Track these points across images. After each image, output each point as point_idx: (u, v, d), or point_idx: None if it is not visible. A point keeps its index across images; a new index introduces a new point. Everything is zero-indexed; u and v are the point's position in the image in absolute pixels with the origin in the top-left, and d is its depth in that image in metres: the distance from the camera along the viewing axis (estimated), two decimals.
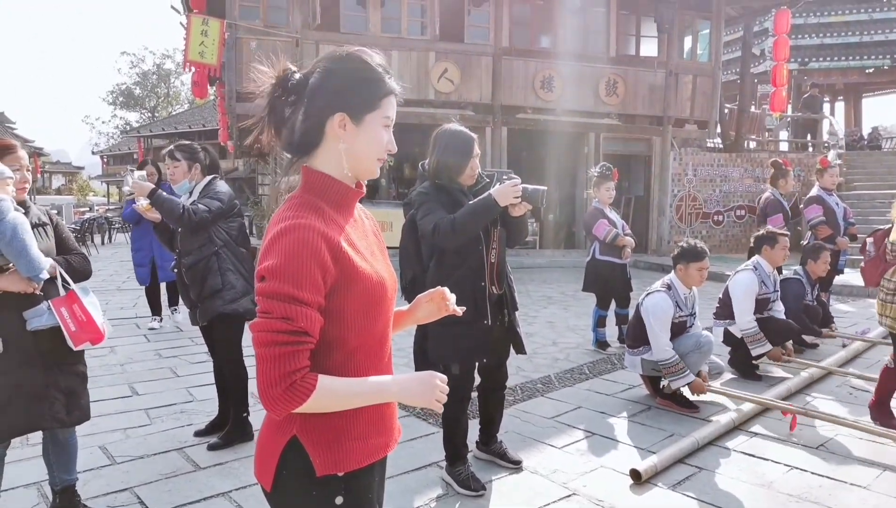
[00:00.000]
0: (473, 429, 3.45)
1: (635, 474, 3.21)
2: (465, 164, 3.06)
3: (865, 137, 20.80)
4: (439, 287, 1.66)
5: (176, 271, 3.80)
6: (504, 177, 3.05)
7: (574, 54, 13.35)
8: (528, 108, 13.09)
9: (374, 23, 12.38)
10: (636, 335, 4.46)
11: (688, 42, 15.82)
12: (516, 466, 3.38)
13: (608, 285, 5.89)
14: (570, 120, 13.26)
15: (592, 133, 13.65)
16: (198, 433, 3.84)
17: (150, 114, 45.30)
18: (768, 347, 4.92)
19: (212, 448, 3.63)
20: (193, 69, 11.76)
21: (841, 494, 3.09)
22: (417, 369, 4.47)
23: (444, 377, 1.39)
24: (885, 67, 20.38)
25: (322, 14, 11.82)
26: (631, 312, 5.23)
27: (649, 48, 15.06)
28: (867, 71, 20.74)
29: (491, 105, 12.81)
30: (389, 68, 1.43)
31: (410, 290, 4.12)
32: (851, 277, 8.32)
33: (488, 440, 3.47)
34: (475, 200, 2.98)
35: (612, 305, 6.01)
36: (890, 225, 3.64)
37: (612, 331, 6.09)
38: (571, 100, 13.19)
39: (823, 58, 20.49)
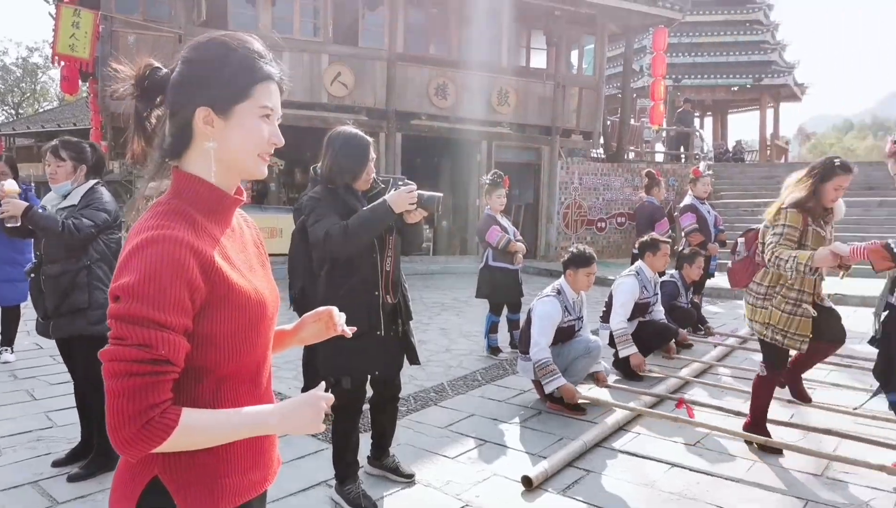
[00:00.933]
0: (365, 443, 3.34)
1: (527, 480, 3.23)
2: (360, 168, 2.96)
3: (731, 150, 22.58)
4: (327, 306, 1.54)
5: (33, 275, 3.40)
6: (399, 183, 2.97)
7: (468, 63, 13.54)
8: (423, 114, 13.13)
9: (264, 22, 11.96)
10: (528, 340, 4.52)
11: (574, 56, 16.51)
12: (409, 480, 3.31)
13: (501, 290, 5.96)
14: (463, 128, 13.43)
15: (485, 141, 13.89)
16: (56, 464, 3.46)
17: (13, 111, 41.48)
18: (634, 349, 5.14)
19: (72, 479, 3.28)
20: (63, 63, 10.85)
21: (717, 489, 3.25)
22: (306, 383, 4.31)
23: (330, 397, 1.25)
24: (748, 86, 22.21)
25: (208, 10, 11.27)
26: (523, 317, 5.32)
27: (539, 60, 15.56)
28: (733, 89, 22.50)
29: (385, 110, 12.72)
30: (268, 53, 1.28)
31: (300, 301, 3.96)
32: (721, 280, 8.93)
33: (380, 454, 3.36)
34: (369, 206, 2.89)
35: (505, 310, 6.09)
36: (761, 226, 3.76)
37: (504, 336, 6.17)
38: (465, 108, 13.36)
39: (695, 75, 22.03)
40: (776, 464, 3.53)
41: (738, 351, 6.18)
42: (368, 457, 3.39)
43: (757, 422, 3.76)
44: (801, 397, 4.43)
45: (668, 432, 4.04)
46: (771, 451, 3.66)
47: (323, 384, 1.32)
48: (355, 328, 1.59)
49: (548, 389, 4.34)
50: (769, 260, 3.38)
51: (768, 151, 23.04)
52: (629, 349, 5.19)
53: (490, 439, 3.92)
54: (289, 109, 11.58)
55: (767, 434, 3.72)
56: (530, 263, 12.87)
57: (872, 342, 3.46)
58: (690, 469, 3.50)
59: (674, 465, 3.55)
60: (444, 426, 4.14)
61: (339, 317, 1.53)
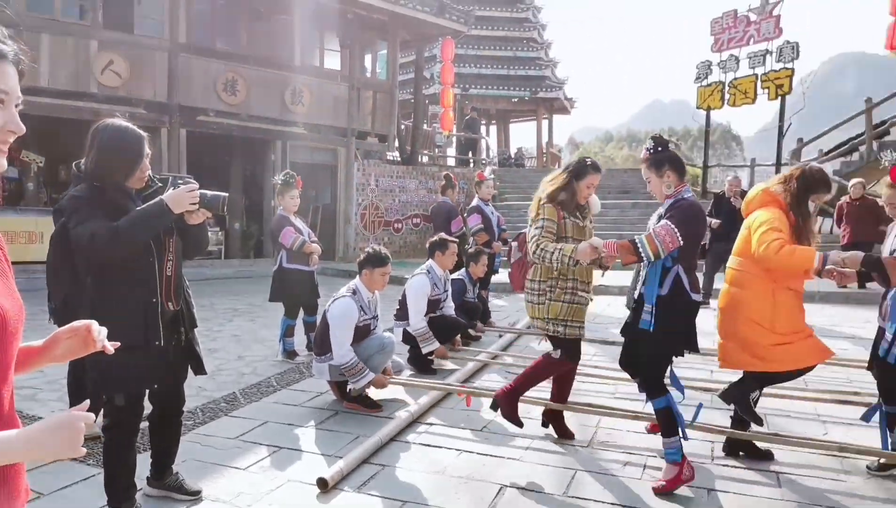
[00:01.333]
0: (143, 464, 3.08)
1: (322, 482, 3.22)
2: (132, 165, 2.71)
3: (513, 157, 24.48)
4: (85, 320, 1.39)
5: None
6: (179, 182, 2.78)
7: (259, 59, 13.07)
8: (211, 110, 12.39)
9: None
10: (323, 342, 4.50)
11: (369, 60, 16.72)
12: (195, 497, 3.11)
13: (296, 293, 5.85)
14: (256, 126, 12.94)
15: (279, 141, 13.52)
16: None
17: None
18: (436, 345, 5.42)
19: None
20: None
21: (500, 468, 3.52)
22: (72, 404, 3.86)
23: (90, 416, 1.13)
24: (526, 98, 24.27)
25: None
26: (318, 319, 5.28)
27: (333, 62, 15.52)
28: (513, 100, 24.45)
29: (167, 104, 11.79)
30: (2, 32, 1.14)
31: (62, 313, 3.52)
32: (504, 275, 9.66)
33: (162, 473, 3.11)
34: (144, 205, 2.67)
35: (301, 313, 6.00)
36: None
37: (300, 339, 6.07)
38: (257, 106, 12.89)
39: (480, 86, 23.55)
40: (551, 437, 3.90)
41: (523, 338, 6.75)
42: (148, 478, 3.12)
43: (514, 393, 3.81)
44: (564, 434, 3.96)
45: (458, 420, 4.28)
46: (546, 427, 4.02)
47: (87, 402, 1.20)
48: (118, 343, 1.44)
49: (358, 386, 4.39)
50: (534, 253, 3.50)
51: (544, 158, 25.33)
52: (432, 345, 5.42)
53: (285, 445, 3.83)
54: (48, 98, 10.28)
55: (515, 406, 3.82)
56: (328, 264, 12.79)
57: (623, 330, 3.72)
58: (478, 454, 3.74)
59: (463, 451, 3.77)
60: (235, 436, 3.96)
61: (99, 331, 1.39)
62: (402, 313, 5.66)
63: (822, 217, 11.89)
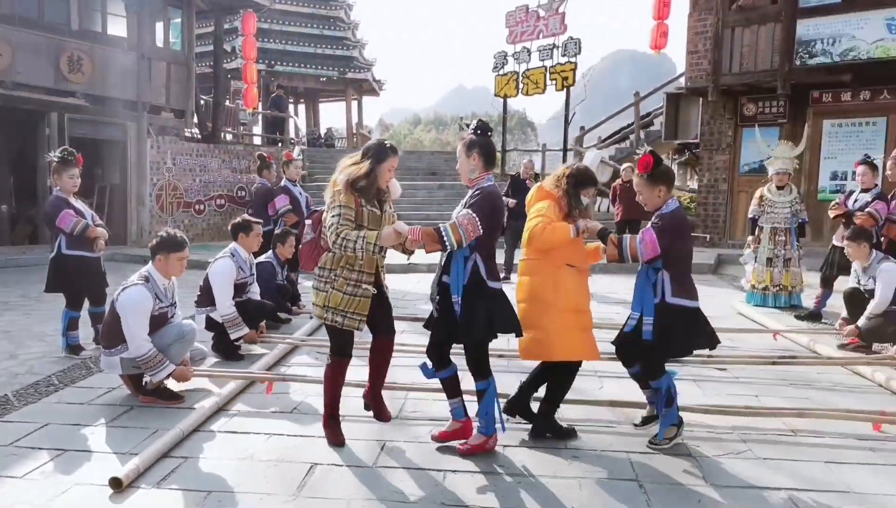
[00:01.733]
0: None
1: (115, 482, 3.00)
2: None
3: (322, 137, 24.13)
4: None
5: None
6: None
7: (26, 20, 11.45)
8: None
9: None
10: (112, 334, 4.16)
11: (160, 28, 15.37)
12: None
13: (79, 282, 5.31)
14: (24, 95, 11.37)
15: (55, 113, 12.03)
16: None
17: None
18: (246, 330, 5.27)
19: None
20: None
21: (310, 448, 3.53)
22: None
23: None
24: (335, 78, 23.93)
25: None
26: (107, 309, 4.85)
27: (118, 28, 14.04)
28: (321, 79, 23.97)
29: None
30: None
31: None
32: None
33: None
34: None
35: (87, 304, 5.46)
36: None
37: (87, 333, 5.54)
38: (25, 72, 11.32)
39: (287, 63, 22.75)
40: (362, 413, 3.99)
41: None
42: None
43: (330, 417, 3.65)
44: (382, 415, 3.84)
45: (267, 404, 4.21)
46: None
47: None
48: None
49: (157, 378, 4.13)
50: (335, 242, 3.32)
51: (355, 139, 25.27)
52: (241, 330, 5.24)
53: (70, 447, 3.50)
54: None
55: (339, 429, 3.62)
56: (118, 249, 11.73)
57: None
58: (288, 435, 3.72)
59: (272, 434, 3.73)
60: (9, 443, 3.53)
61: None
62: (204, 300, 5.40)
63: (600, 197, 13.34)
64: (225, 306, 5.24)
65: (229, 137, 18.10)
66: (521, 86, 15.84)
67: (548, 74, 15.22)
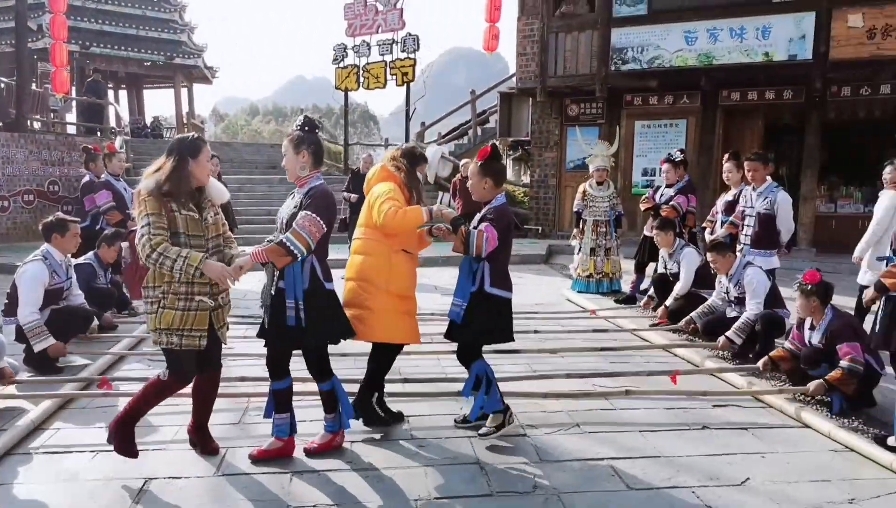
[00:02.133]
0: None
1: None
2: None
3: (149, 126, 22.39)
4: None
5: None
6: None
7: None
8: None
9: None
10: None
11: None
12: None
13: None
14: None
15: None
16: None
17: None
18: (51, 341, 4.77)
19: None
20: None
21: (145, 462, 3.31)
22: None
23: None
24: (161, 63, 22.25)
25: None
26: None
27: None
28: (146, 64, 22.15)
29: None
30: None
31: None
32: None
33: None
34: None
35: None
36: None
37: None
38: None
39: (105, 45, 20.74)
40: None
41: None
42: None
43: (128, 421, 3.27)
44: (209, 449, 3.52)
45: (92, 419, 3.91)
46: None
47: None
48: None
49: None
50: (148, 256, 3.01)
51: (186, 129, 23.76)
52: (46, 341, 4.73)
53: None
54: None
55: (133, 437, 3.29)
56: None
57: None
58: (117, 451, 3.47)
59: (99, 451, 3.46)
60: None
61: None
62: (12, 308, 4.84)
63: (441, 192, 13.74)
64: (25, 314, 4.72)
65: (38, 125, 16.21)
66: (361, 79, 15.81)
67: (388, 69, 15.33)
